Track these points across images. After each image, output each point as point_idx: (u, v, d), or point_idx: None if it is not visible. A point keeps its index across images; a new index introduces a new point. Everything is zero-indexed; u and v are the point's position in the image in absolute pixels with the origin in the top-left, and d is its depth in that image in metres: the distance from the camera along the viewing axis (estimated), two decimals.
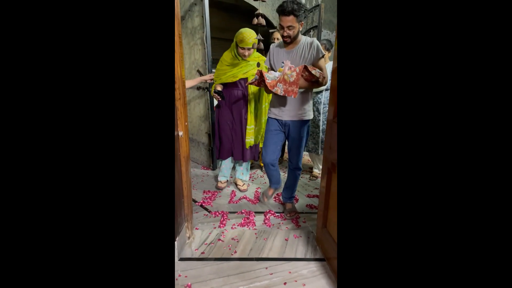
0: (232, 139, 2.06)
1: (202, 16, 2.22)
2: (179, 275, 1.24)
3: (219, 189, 2.18)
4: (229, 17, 4.73)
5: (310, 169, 2.66)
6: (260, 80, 1.47)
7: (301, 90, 1.52)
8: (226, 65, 1.89)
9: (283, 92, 1.38)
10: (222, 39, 4.83)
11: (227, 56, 1.89)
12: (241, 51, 1.79)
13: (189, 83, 1.96)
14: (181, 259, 1.36)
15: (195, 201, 2.02)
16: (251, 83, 1.55)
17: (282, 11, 1.37)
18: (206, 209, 1.90)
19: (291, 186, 1.80)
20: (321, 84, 1.48)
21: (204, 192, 2.16)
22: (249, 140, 2.03)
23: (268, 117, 1.70)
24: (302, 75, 1.41)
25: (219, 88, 1.93)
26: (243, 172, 2.22)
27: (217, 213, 1.82)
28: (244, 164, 2.19)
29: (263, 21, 1.24)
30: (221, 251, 1.44)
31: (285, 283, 1.20)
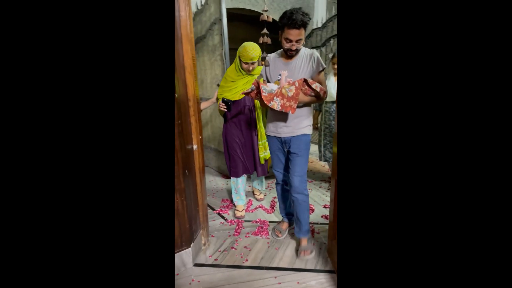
0: (243, 155, 1.94)
1: (221, 35, 2.36)
2: (193, 280, 1.33)
3: (238, 218, 1.95)
4: (252, 28, 4.87)
5: (329, 179, 2.64)
6: (257, 92, 1.34)
7: (299, 105, 1.39)
8: (231, 81, 1.80)
9: (280, 107, 1.27)
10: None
11: (231, 72, 1.81)
12: (245, 66, 1.72)
13: (203, 105, 1.83)
14: (196, 265, 1.45)
15: (213, 209, 2.12)
16: (246, 93, 1.41)
17: (292, 24, 1.22)
18: (223, 217, 1.98)
19: (297, 217, 1.51)
20: (322, 99, 1.40)
21: (222, 200, 2.25)
22: (263, 155, 1.95)
23: (266, 134, 1.56)
24: (301, 89, 1.31)
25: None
26: (258, 183, 2.22)
27: (233, 222, 1.90)
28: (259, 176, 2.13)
29: (268, 40, 1.31)
30: (233, 258, 1.50)
31: None
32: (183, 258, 1.40)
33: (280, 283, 1.29)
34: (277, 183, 1.66)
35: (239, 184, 2.00)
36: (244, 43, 1.69)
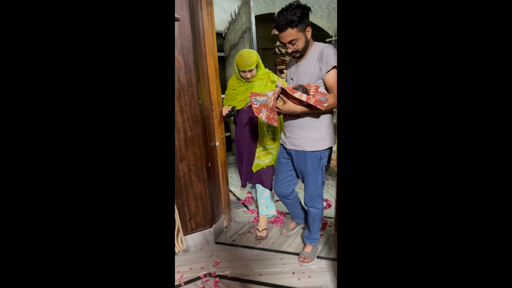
0: (247, 165, 1.79)
1: (251, 42, 2.59)
2: (213, 254, 1.61)
3: (260, 239, 1.76)
4: None
5: None
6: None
7: (294, 114, 1.24)
8: (232, 89, 1.75)
9: (266, 119, 1.20)
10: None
11: (232, 80, 1.76)
12: (242, 74, 1.64)
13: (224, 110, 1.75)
14: (217, 243, 1.72)
15: (238, 199, 2.38)
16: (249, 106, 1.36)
17: (277, 26, 1.13)
18: (246, 206, 2.24)
19: (309, 224, 1.50)
20: (330, 107, 1.15)
21: (248, 192, 2.51)
22: (258, 162, 1.74)
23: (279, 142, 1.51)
24: (288, 98, 1.18)
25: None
26: (266, 205, 1.84)
27: (254, 211, 2.13)
28: (267, 193, 1.84)
29: (282, 50, 1.45)
30: (249, 241, 1.74)
31: (293, 273, 1.41)
32: (206, 236, 1.68)
33: (284, 264, 1.49)
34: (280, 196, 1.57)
35: (257, 193, 1.86)
36: (240, 51, 1.63)
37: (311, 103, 1.09)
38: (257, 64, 1.61)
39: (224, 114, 1.69)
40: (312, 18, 3.88)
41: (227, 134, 1.60)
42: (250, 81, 1.68)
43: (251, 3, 2.52)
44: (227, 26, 3.39)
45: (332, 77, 1.15)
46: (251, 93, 1.30)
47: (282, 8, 1.12)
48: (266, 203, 1.84)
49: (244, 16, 2.67)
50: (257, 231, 1.80)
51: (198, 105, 1.47)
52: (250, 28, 2.57)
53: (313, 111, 1.18)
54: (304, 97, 1.09)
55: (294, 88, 1.13)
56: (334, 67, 1.13)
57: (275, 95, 1.16)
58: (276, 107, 1.21)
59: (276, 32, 1.17)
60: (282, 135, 1.43)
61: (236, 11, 2.96)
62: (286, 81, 1.41)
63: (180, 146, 1.48)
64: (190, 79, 1.42)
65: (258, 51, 2.62)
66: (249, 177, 1.80)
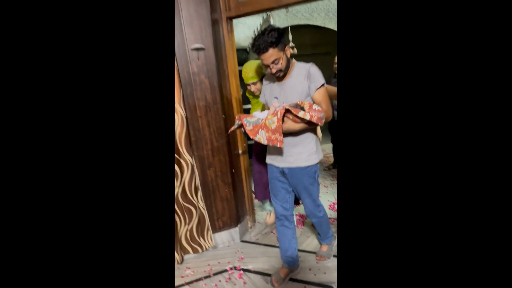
0: (260, 178, 1.84)
1: None
2: (238, 251, 1.80)
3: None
4: (320, 33, 4.97)
5: None
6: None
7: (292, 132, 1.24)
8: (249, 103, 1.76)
9: (266, 141, 1.17)
10: (315, 54, 5.22)
11: (247, 93, 1.78)
12: (248, 88, 1.64)
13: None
14: (242, 241, 1.92)
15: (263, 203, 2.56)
16: (232, 131, 1.36)
17: (258, 50, 1.16)
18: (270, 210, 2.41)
19: (319, 228, 1.59)
20: (316, 124, 1.19)
21: None
22: None
23: (266, 162, 1.45)
24: (289, 118, 1.18)
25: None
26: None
27: None
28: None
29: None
30: (271, 240, 1.90)
31: (309, 269, 1.55)
32: (232, 234, 1.88)
33: (302, 261, 1.62)
34: (276, 218, 1.48)
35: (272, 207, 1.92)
36: (245, 63, 1.59)
37: (314, 121, 1.14)
38: (263, 77, 1.55)
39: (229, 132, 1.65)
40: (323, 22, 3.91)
41: (250, 142, 1.75)
42: (257, 95, 1.65)
43: (271, 20, 2.73)
44: (250, 42, 3.63)
45: (322, 94, 1.23)
46: (239, 115, 1.28)
47: (258, 33, 1.18)
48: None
49: None
50: (267, 217, 1.99)
51: (222, 119, 1.70)
52: (288, 32, 2.76)
53: (311, 126, 1.23)
54: (307, 116, 1.13)
55: (292, 107, 1.17)
56: (322, 85, 1.22)
57: (280, 116, 1.14)
58: None
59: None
60: (269, 154, 1.41)
61: (258, 28, 3.20)
62: (263, 99, 1.42)
63: (208, 155, 1.72)
64: (215, 97, 1.66)
65: (303, 46, 2.74)
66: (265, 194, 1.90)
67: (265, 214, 2.31)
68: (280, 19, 3.72)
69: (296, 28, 3.64)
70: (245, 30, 3.77)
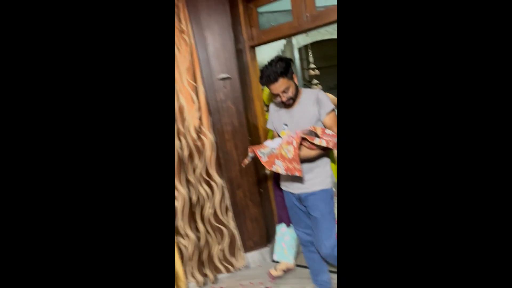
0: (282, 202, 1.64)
1: (295, 73, 2.87)
2: (270, 271, 1.81)
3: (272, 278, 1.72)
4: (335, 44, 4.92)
5: None
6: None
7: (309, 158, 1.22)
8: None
9: (284, 171, 1.15)
10: (331, 67, 5.21)
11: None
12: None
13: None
14: (273, 261, 1.92)
15: None
16: (246, 164, 1.34)
17: (267, 81, 1.17)
18: None
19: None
20: (332, 149, 1.17)
21: None
22: None
23: (281, 188, 1.41)
24: (304, 145, 1.16)
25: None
26: (287, 250, 1.73)
27: None
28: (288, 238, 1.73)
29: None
30: (302, 260, 1.87)
31: None
32: (263, 254, 1.90)
33: (333, 279, 1.59)
34: (302, 245, 1.46)
35: (284, 234, 1.75)
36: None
37: (330, 146, 1.12)
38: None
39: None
40: None
41: None
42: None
43: (294, 41, 2.82)
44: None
45: (332, 119, 1.24)
46: (251, 147, 1.28)
47: (266, 64, 1.20)
48: (287, 248, 1.75)
49: (288, 53, 2.97)
50: (273, 270, 1.74)
51: (248, 141, 1.78)
52: (293, 62, 2.84)
53: (320, 155, 1.23)
54: (324, 143, 1.12)
55: (306, 134, 1.16)
56: (332, 110, 1.23)
57: (296, 145, 1.11)
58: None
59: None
60: (283, 180, 1.37)
61: (282, 48, 3.30)
62: (271, 126, 1.41)
63: (236, 176, 1.79)
64: (241, 121, 1.75)
65: (302, 82, 2.85)
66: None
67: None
68: (303, 37, 3.80)
69: (319, 42, 3.69)
70: (269, 50, 3.89)
